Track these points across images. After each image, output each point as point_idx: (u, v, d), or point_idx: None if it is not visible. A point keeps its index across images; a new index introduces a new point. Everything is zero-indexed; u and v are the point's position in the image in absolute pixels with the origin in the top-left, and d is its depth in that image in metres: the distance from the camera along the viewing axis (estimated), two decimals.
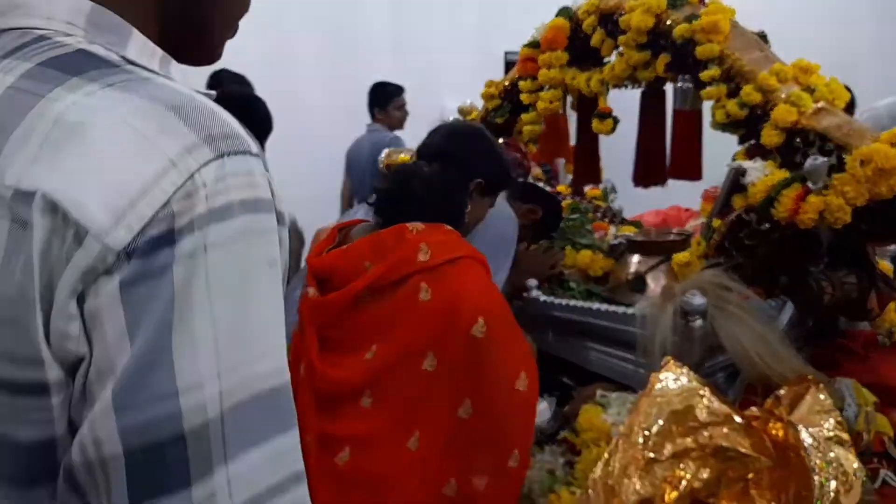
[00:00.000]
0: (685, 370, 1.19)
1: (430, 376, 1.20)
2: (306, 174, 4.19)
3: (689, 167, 1.71)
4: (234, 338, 0.43)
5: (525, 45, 2.04)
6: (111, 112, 0.44)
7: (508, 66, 5.62)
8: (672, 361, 1.22)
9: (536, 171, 2.52)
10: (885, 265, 1.56)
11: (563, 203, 2.23)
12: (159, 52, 0.54)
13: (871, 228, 1.32)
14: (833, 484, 1.07)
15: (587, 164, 2.06)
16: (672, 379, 1.19)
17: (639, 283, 1.74)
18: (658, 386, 1.18)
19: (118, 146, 0.43)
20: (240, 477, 0.42)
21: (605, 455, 1.13)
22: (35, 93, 0.45)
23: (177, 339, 0.41)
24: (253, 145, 0.47)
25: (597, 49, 1.84)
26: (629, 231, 2.05)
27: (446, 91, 5.29)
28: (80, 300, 0.41)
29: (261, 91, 4.34)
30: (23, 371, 0.42)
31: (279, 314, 0.46)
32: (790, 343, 1.42)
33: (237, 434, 0.43)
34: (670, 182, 1.80)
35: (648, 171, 1.81)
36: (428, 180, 1.25)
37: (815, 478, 1.08)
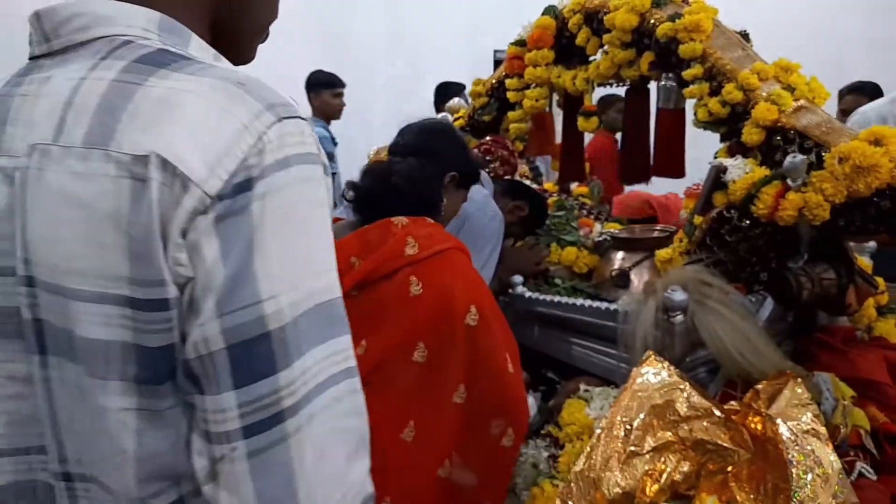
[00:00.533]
0: (665, 365, 1.20)
1: (421, 368, 1.21)
2: None
3: (673, 165, 1.73)
4: (297, 259, 0.56)
5: (512, 44, 2.05)
6: (197, 91, 0.56)
7: (497, 64, 5.63)
8: (653, 356, 1.24)
9: (523, 168, 2.54)
10: (863, 262, 1.58)
11: (550, 200, 2.25)
12: (212, 50, 0.66)
13: (850, 225, 1.34)
14: (810, 476, 1.09)
15: (572, 162, 2.07)
16: (653, 373, 1.21)
17: (622, 278, 1.75)
18: (639, 380, 1.20)
19: (205, 116, 0.55)
20: (309, 368, 0.55)
21: (587, 448, 1.15)
22: (135, 82, 0.56)
23: (257, 261, 0.54)
24: (301, 111, 0.59)
25: (582, 47, 1.86)
26: (614, 228, 2.07)
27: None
28: (184, 234, 0.53)
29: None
30: (152, 291, 0.54)
31: (330, 243, 0.59)
32: (769, 338, 1.45)
33: (305, 335, 0.55)
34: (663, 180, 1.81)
35: (633, 169, 1.82)
36: (407, 174, 1.26)
37: (793, 470, 1.09)
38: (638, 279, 1.77)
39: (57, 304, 0.57)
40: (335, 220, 1.38)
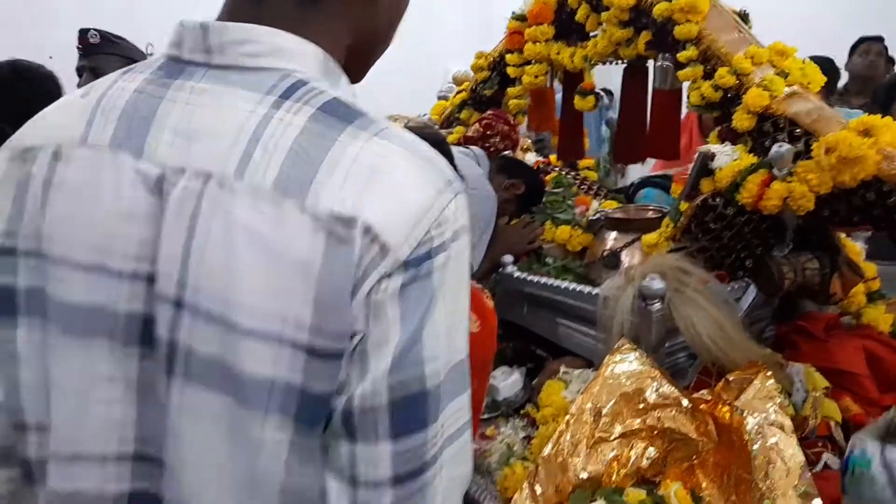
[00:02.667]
0: (638, 353, 1.22)
1: None
2: None
3: (667, 146, 1.72)
4: (454, 323, 0.60)
5: (513, 18, 2.03)
6: (395, 161, 0.59)
7: None
8: (626, 343, 1.25)
9: (526, 142, 2.53)
10: (853, 248, 1.57)
11: (548, 177, 2.24)
12: (352, 87, 0.68)
13: (835, 215, 1.33)
14: (772, 467, 1.11)
15: (570, 139, 2.06)
16: (625, 361, 1.23)
17: (612, 259, 1.75)
18: (611, 368, 1.22)
19: (404, 186, 0.58)
20: (446, 421, 0.60)
21: (556, 434, 1.17)
22: (328, 136, 0.58)
23: (428, 325, 0.58)
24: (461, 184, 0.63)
25: (582, 24, 1.83)
26: (611, 206, 2.06)
27: (449, 56, 5.24)
28: (369, 293, 0.56)
29: None
30: (335, 343, 0.57)
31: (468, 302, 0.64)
32: (745, 328, 1.45)
33: (447, 392, 0.60)
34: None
35: (628, 149, 1.81)
36: None
37: (756, 461, 1.11)
38: (629, 259, 1.78)
39: (215, 334, 0.57)
40: None
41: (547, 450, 1.18)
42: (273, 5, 0.64)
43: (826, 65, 2.86)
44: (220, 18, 0.64)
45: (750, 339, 1.26)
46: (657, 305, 1.30)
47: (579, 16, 1.82)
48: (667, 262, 1.34)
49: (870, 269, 1.63)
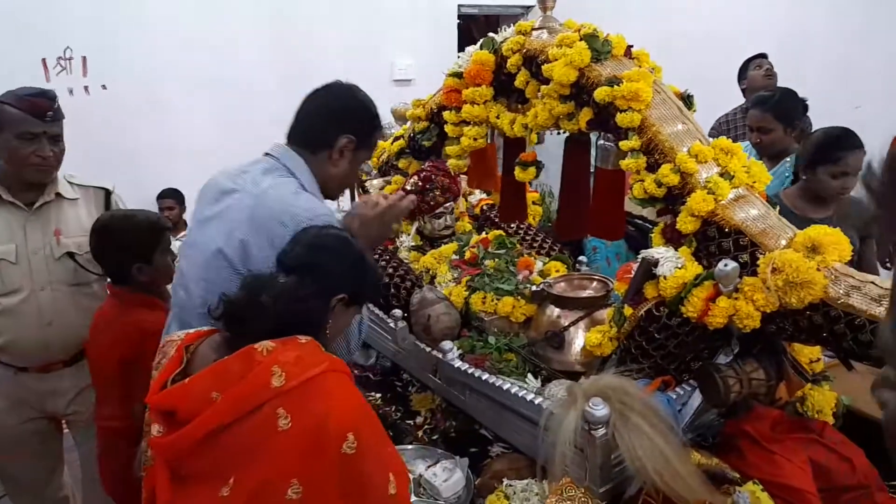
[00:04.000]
0: (579, 495, 1.16)
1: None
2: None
3: (609, 226, 1.65)
4: None
5: (449, 74, 1.91)
6: None
7: (462, 19, 5.40)
8: (568, 482, 1.19)
9: (467, 188, 2.43)
10: (801, 348, 1.52)
11: (489, 235, 2.16)
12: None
13: (780, 332, 1.28)
14: None
15: (512, 202, 1.98)
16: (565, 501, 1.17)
17: (555, 339, 1.69)
18: None
19: None
20: None
21: None
22: None
23: None
24: None
25: (521, 89, 1.73)
26: (555, 268, 1.99)
27: (396, 49, 5.07)
28: None
29: (199, 50, 4.11)
30: None
31: None
32: (692, 431, 1.41)
33: None
34: None
35: (569, 224, 1.74)
36: (279, 294, 1.15)
37: None
38: (573, 338, 1.72)
39: None
40: (205, 334, 1.25)
41: None
42: None
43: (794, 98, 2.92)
44: None
45: (695, 472, 1.21)
46: (601, 431, 1.24)
47: (519, 82, 1.72)
48: (609, 383, 1.27)
49: (814, 351, 1.60)
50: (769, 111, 2.79)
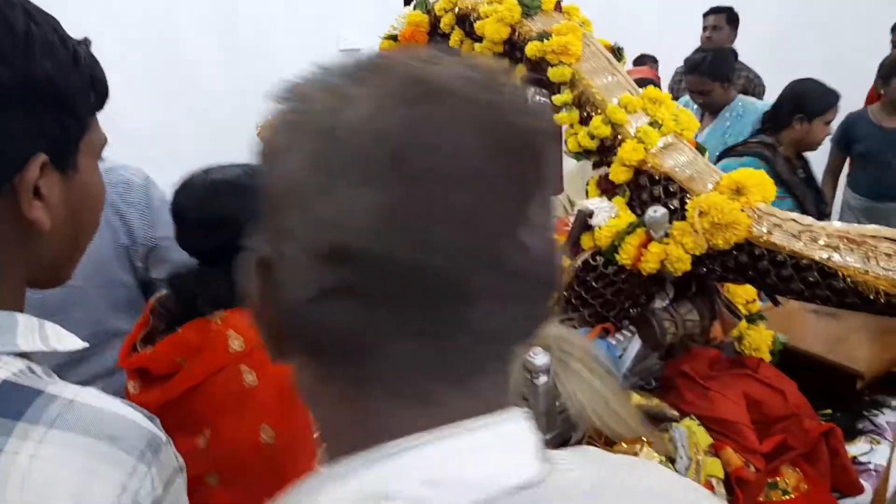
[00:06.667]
0: None
1: (272, 448, 1.18)
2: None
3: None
4: None
5: (384, 38, 1.90)
6: (62, 476, 0.49)
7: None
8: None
9: None
10: (735, 289, 1.57)
11: None
12: (34, 321, 0.57)
13: (710, 273, 1.33)
14: None
15: None
16: None
17: None
18: None
19: None
20: None
21: None
22: None
23: None
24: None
25: (456, 49, 1.74)
26: None
27: (343, 21, 4.97)
28: None
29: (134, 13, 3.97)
30: None
31: None
32: (634, 376, 1.46)
33: None
34: None
35: None
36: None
37: None
38: None
39: None
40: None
41: None
42: None
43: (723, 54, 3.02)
44: None
45: (634, 412, 1.26)
46: (542, 379, 1.28)
47: (452, 41, 1.72)
48: (550, 333, 1.31)
49: (749, 292, 1.66)
50: (705, 74, 2.96)
